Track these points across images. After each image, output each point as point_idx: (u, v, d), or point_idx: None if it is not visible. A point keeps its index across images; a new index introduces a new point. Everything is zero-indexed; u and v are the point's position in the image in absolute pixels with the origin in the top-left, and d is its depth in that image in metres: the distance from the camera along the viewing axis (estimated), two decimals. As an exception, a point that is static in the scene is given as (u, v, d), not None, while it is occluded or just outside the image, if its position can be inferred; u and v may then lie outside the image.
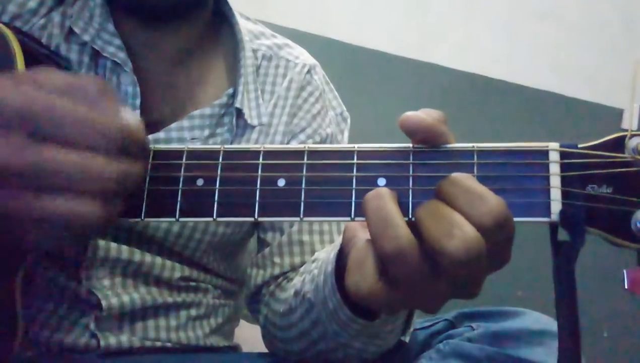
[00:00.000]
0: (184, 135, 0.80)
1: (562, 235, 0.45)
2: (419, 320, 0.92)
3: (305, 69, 0.92)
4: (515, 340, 0.77)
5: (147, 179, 0.53)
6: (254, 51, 0.89)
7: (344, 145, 0.50)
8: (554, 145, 0.47)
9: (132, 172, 0.48)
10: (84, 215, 0.45)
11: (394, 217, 0.44)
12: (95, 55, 0.79)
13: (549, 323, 0.80)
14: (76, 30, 0.78)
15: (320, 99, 0.92)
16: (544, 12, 2.38)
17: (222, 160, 0.52)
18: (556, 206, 0.45)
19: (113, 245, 0.77)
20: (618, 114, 2.27)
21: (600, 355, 2.00)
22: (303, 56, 0.95)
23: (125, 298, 0.78)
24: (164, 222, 0.78)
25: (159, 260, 0.81)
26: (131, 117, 0.49)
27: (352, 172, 0.49)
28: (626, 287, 0.43)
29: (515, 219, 0.44)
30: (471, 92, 2.31)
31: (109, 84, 0.50)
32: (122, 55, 0.78)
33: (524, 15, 2.38)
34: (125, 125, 0.48)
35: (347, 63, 2.22)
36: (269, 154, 0.51)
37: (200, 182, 0.52)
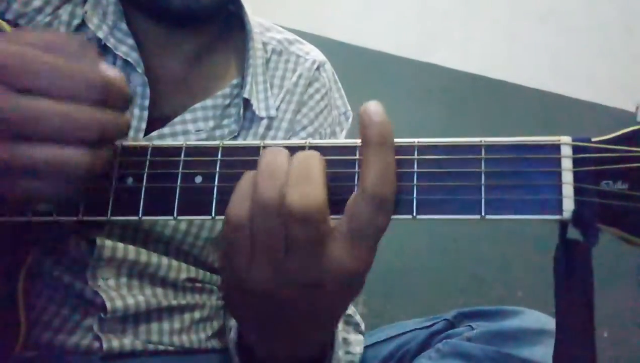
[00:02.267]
0: (188, 128, 0.80)
1: (571, 232, 0.44)
2: (419, 320, 0.92)
3: (315, 66, 0.91)
4: (514, 339, 0.77)
5: (145, 176, 0.52)
6: (264, 44, 0.89)
7: (347, 140, 0.49)
8: (566, 139, 0.45)
9: (114, 121, 0.48)
10: (68, 162, 0.46)
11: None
12: (103, 53, 0.78)
13: (549, 322, 0.80)
14: (90, 26, 0.77)
15: (325, 97, 0.91)
16: (544, 13, 2.38)
17: (221, 156, 0.51)
18: (568, 203, 0.43)
19: (119, 245, 0.75)
20: (618, 113, 2.27)
21: (600, 355, 2.00)
22: (313, 53, 0.94)
23: (130, 301, 0.77)
24: (166, 220, 0.77)
25: (165, 260, 0.80)
26: (111, 69, 0.49)
27: (354, 168, 0.48)
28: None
29: (526, 217, 0.43)
30: (471, 92, 2.31)
31: (88, 41, 0.52)
32: (134, 55, 0.77)
33: (524, 16, 2.38)
34: (106, 77, 0.48)
35: (347, 63, 2.21)
36: None
37: (198, 179, 0.51)
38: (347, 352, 0.78)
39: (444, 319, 0.87)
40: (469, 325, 0.82)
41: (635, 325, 2.03)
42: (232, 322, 0.70)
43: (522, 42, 2.37)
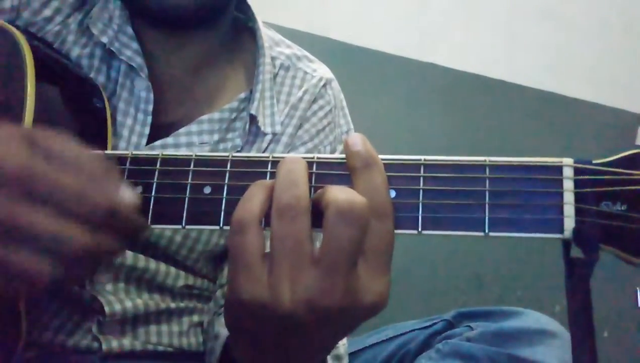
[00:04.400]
0: (193, 139, 0.80)
1: (574, 250, 0.45)
2: (419, 320, 0.93)
3: (322, 83, 0.91)
4: (514, 339, 0.77)
5: (154, 186, 0.52)
6: (273, 59, 0.88)
7: None
8: (567, 160, 0.46)
9: (104, 248, 0.48)
10: (40, 274, 0.46)
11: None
12: (108, 58, 0.79)
13: (549, 322, 0.81)
14: (94, 31, 0.77)
15: (329, 115, 0.91)
16: (544, 12, 2.38)
17: (230, 168, 0.52)
18: (569, 223, 0.45)
19: None
20: (618, 114, 2.28)
21: (600, 355, 2.01)
22: (321, 70, 0.93)
23: (128, 304, 0.77)
24: (169, 229, 0.77)
25: (163, 267, 0.80)
26: (128, 195, 0.49)
27: None
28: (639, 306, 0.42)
29: (528, 235, 0.44)
30: (471, 92, 2.31)
31: (112, 163, 0.51)
32: (138, 60, 0.77)
33: (524, 15, 2.38)
34: (116, 205, 0.48)
35: (347, 63, 2.22)
36: (278, 163, 0.51)
37: (207, 189, 0.51)
38: None
39: (444, 319, 0.88)
40: (469, 326, 0.83)
41: (635, 325, 2.04)
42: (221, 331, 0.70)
43: (522, 42, 2.37)
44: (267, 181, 0.48)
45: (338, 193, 0.44)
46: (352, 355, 0.92)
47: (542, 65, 2.36)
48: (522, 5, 2.39)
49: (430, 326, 0.89)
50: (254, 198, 0.47)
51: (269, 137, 0.84)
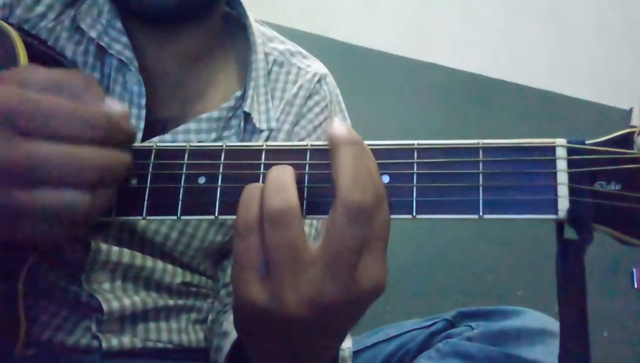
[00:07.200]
0: (191, 138, 0.79)
1: (567, 232, 0.45)
2: (419, 320, 0.92)
3: (316, 78, 0.90)
4: (515, 339, 0.77)
5: (149, 177, 0.52)
6: (266, 55, 0.88)
7: None
8: (561, 141, 0.46)
9: (117, 160, 0.48)
10: (72, 205, 0.46)
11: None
12: (101, 54, 0.79)
13: (549, 322, 0.80)
14: (83, 26, 0.77)
15: (325, 110, 0.90)
16: (544, 12, 2.38)
17: (224, 158, 0.51)
18: (563, 203, 0.45)
19: (114, 248, 0.76)
20: (618, 113, 2.28)
21: (600, 355, 2.01)
22: (315, 65, 0.93)
23: (126, 302, 0.77)
24: (165, 225, 0.78)
25: (160, 264, 0.80)
26: (116, 106, 0.49)
27: None
28: (636, 286, 0.42)
29: (522, 217, 0.44)
30: (471, 92, 2.31)
31: (93, 76, 0.51)
32: (128, 54, 0.77)
33: (524, 15, 2.38)
34: (109, 115, 0.48)
35: (347, 63, 2.22)
36: (271, 152, 0.51)
37: (202, 179, 0.51)
38: None
39: (444, 319, 0.88)
40: (469, 325, 0.83)
41: (635, 325, 2.03)
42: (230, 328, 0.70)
43: (521, 42, 2.37)
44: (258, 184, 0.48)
45: (347, 193, 0.44)
46: (353, 355, 0.92)
47: (542, 65, 2.37)
48: (522, 5, 2.39)
49: (430, 325, 0.89)
50: (253, 201, 0.46)
51: (265, 134, 0.83)
